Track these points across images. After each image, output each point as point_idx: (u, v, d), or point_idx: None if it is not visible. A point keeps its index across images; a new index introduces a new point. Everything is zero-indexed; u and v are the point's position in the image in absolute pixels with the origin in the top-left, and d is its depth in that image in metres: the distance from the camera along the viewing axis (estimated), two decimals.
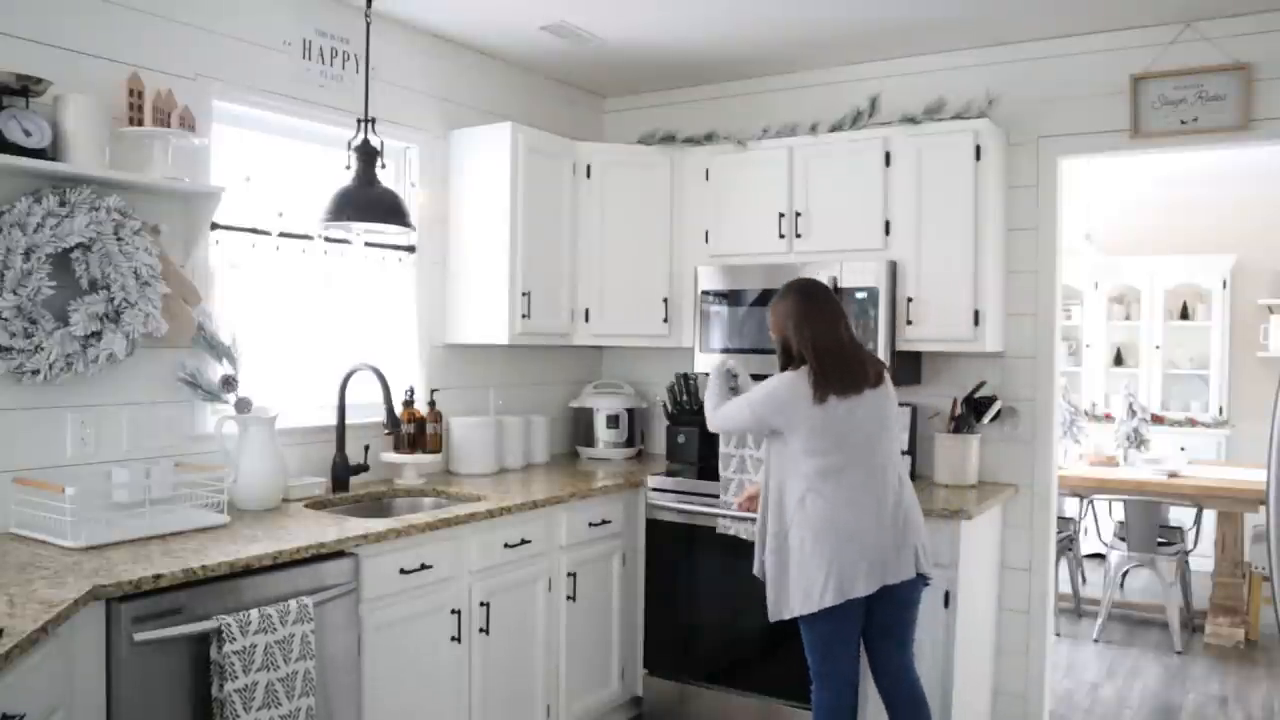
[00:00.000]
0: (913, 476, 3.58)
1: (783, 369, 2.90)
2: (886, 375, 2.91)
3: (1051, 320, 3.75)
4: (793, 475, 2.81)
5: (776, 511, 2.85)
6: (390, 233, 3.45)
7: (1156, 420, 6.64)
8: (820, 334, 2.81)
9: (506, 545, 3.19)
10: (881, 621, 2.88)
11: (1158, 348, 7.20)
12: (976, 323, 3.55)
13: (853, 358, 2.84)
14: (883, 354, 3.58)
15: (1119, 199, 7.03)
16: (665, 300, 4.17)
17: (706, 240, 4.08)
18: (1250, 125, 3.39)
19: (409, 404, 3.61)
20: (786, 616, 2.84)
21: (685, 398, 4.27)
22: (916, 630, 2.97)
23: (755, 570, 2.95)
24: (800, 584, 2.77)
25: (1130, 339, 7.40)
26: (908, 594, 2.86)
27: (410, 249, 3.79)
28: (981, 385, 3.74)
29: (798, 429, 2.78)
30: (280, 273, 3.35)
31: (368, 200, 3.22)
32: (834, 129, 3.97)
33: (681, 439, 4.23)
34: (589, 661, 3.63)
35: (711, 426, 3.11)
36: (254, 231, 3.25)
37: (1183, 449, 6.62)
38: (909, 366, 3.81)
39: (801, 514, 2.78)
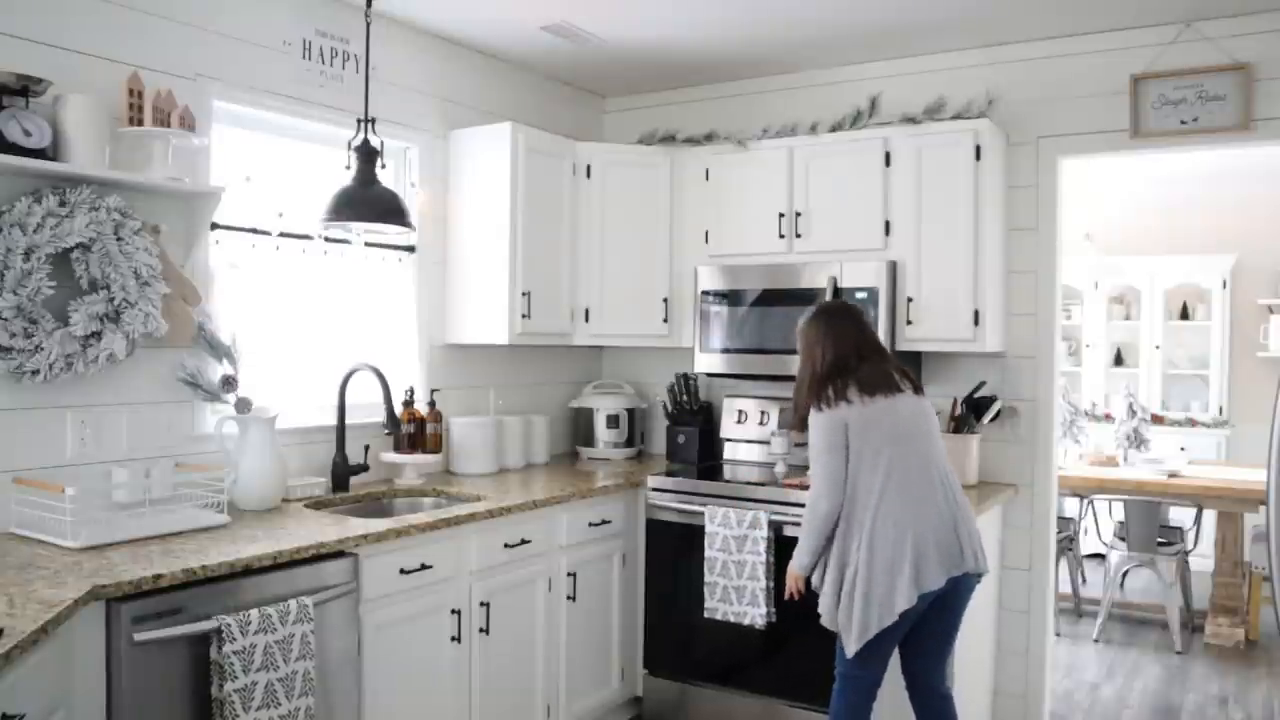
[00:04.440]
0: None
1: (794, 402, 2.94)
2: (923, 390, 2.95)
3: (1051, 320, 3.75)
4: (856, 503, 2.78)
5: (840, 553, 2.80)
6: (390, 233, 3.45)
7: (1156, 420, 6.64)
8: (841, 348, 2.87)
9: (506, 545, 3.19)
10: (932, 624, 2.85)
11: (1158, 348, 7.20)
12: (976, 323, 3.55)
13: (875, 363, 2.87)
14: None
15: (1119, 199, 7.03)
16: (665, 300, 4.17)
17: (706, 240, 4.08)
18: (1250, 125, 3.39)
19: (409, 404, 3.61)
20: (869, 635, 2.73)
21: (685, 398, 4.27)
22: None
23: (825, 621, 2.85)
24: (874, 602, 2.72)
25: (1130, 339, 7.40)
26: (963, 593, 2.85)
27: (410, 249, 3.80)
28: (981, 385, 3.74)
29: (853, 433, 2.78)
30: (280, 273, 3.35)
31: (367, 200, 3.22)
32: (834, 129, 3.97)
33: (681, 439, 4.23)
34: (589, 661, 3.63)
35: (819, 505, 2.84)
36: (254, 231, 3.25)
37: (1183, 449, 6.62)
38: (909, 366, 3.79)
39: (862, 538, 2.75)
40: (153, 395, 2.90)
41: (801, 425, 2.93)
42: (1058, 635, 5.15)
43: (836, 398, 2.80)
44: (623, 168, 4.14)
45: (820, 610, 2.86)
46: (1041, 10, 3.45)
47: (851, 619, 2.75)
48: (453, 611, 2.98)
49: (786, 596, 3.01)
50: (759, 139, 4.03)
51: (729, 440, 4.27)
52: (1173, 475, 5.32)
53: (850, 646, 2.76)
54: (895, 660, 2.96)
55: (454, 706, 3.01)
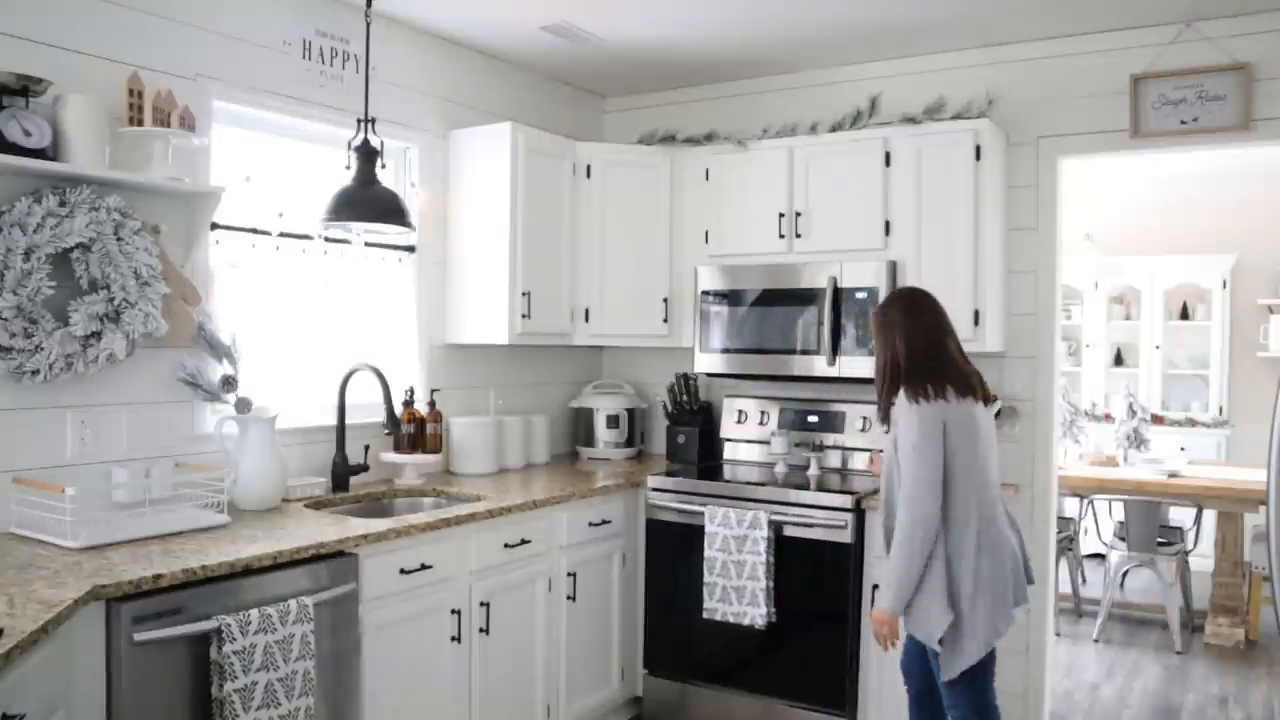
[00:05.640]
0: None
1: (878, 394, 2.80)
2: (990, 400, 2.84)
3: (1051, 320, 3.75)
4: (956, 507, 2.63)
5: (943, 561, 2.63)
6: (390, 233, 3.45)
7: (1156, 420, 6.64)
8: (931, 338, 2.74)
9: (506, 545, 3.19)
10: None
11: (1158, 348, 7.20)
12: (976, 323, 3.55)
13: (962, 363, 2.77)
14: None
15: (1119, 199, 7.03)
16: (665, 300, 4.17)
17: (706, 240, 4.08)
18: (1250, 125, 3.39)
19: (409, 404, 3.61)
20: (970, 664, 2.62)
21: (685, 398, 4.27)
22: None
23: (938, 640, 2.64)
24: (989, 628, 2.61)
25: (1130, 339, 7.40)
26: None
27: (410, 249, 3.79)
28: None
29: (951, 431, 2.63)
30: (280, 273, 3.35)
31: (367, 200, 3.22)
32: (834, 129, 3.97)
33: (681, 439, 4.23)
34: (589, 661, 3.63)
35: (921, 507, 2.60)
36: (254, 231, 3.25)
37: (1183, 449, 6.62)
38: None
39: (970, 542, 2.62)
40: (153, 395, 2.90)
41: (887, 418, 2.78)
42: (1058, 635, 5.14)
43: (936, 394, 2.64)
44: (623, 168, 4.14)
45: (922, 633, 2.67)
46: (1041, 10, 3.45)
47: (976, 631, 2.60)
48: (453, 611, 2.98)
49: (885, 648, 2.76)
50: (759, 139, 4.03)
51: (729, 440, 4.28)
52: (1173, 475, 5.32)
53: (963, 661, 2.61)
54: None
55: (454, 706, 3.01)
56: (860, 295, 3.64)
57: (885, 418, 2.80)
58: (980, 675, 2.70)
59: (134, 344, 2.71)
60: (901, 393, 2.70)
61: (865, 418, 3.93)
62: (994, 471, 2.75)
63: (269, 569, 2.40)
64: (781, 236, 3.89)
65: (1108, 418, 6.99)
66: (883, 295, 3.58)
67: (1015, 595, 2.71)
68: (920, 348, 2.72)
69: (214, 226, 3.05)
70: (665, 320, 4.17)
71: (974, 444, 2.67)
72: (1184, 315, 7.19)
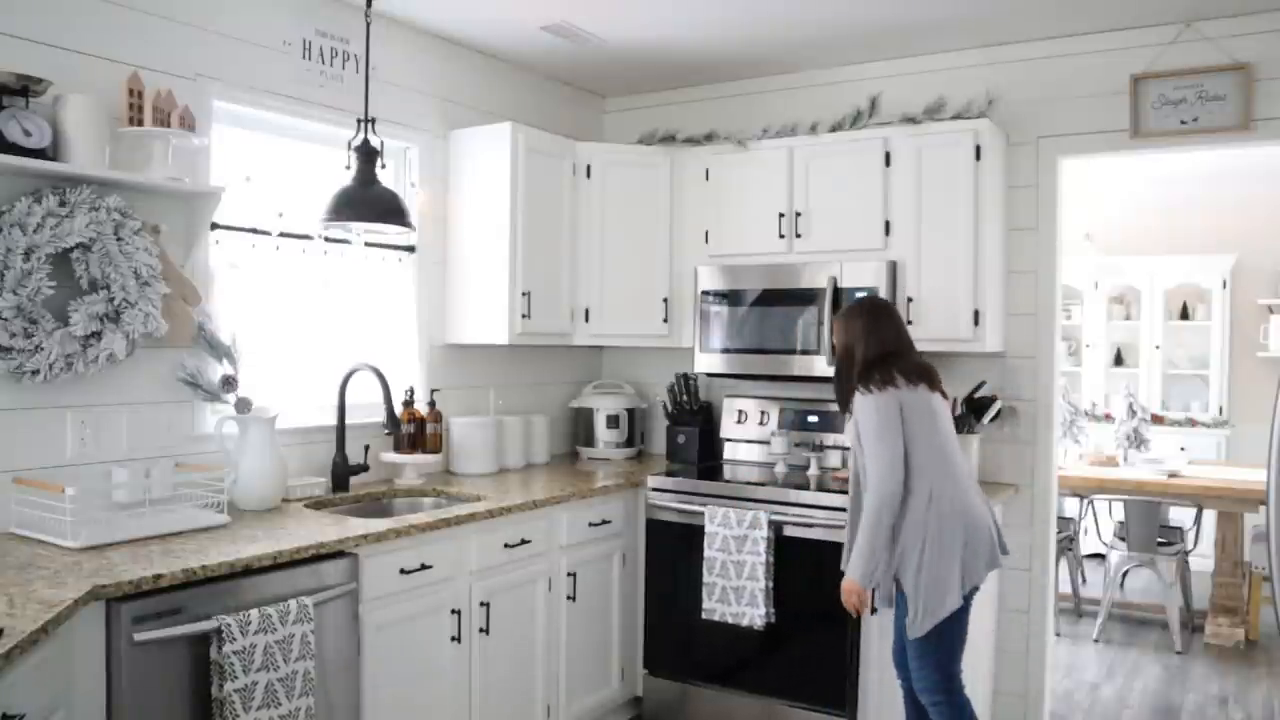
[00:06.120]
0: None
1: (838, 389, 3.03)
2: (947, 395, 3.01)
3: (1051, 320, 3.75)
4: (914, 479, 2.81)
5: (901, 532, 2.82)
6: (390, 233, 3.45)
7: (1156, 420, 6.64)
8: (885, 341, 2.94)
9: (506, 545, 3.19)
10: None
11: (1158, 348, 7.20)
12: (976, 323, 3.55)
13: (917, 360, 2.96)
14: None
15: (1119, 199, 7.04)
16: (665, 300, 4.17)
17: (706, 240, 4.08)
18: (1250, 125, 3.39)
19: (409, 404, 3.61)
20: (937, 620, 2.77)
21: (685, 398, 4.27)
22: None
23: (881, 603, 2.93)
24: (945, 583, 2.77)
25: (1130, 339, 7.40)
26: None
27: (410, 249, 3.80)
28: (981, 385, 3.74)
29: (906, 414, 2.83)
30: (280, 273, 3.35)
31: (367, 200, 3.22)
32: (834, 129, 3.97)
33: (681, 439, 4.23)
34: (589, 661, 3.63)
35: (884, 486, 2.79)
36: (254, 231, 3.25)
37: (1183, 449, 6.62)
38: None
39: (925, 515, 2.79)
40: (153, 395, 2.90)
41: (844, 409, 3.01)
42: (1058, 635, 5.14)
43: (885, 382, 2.84)
44: (623, 168, 4.14)
45: (880, 590, 2.88)
46: (1041, 10, 3.45)
47: (947, 587, 2.75)
48: (453, 611, 2.98)
49: (856, 615, 2.97)
50: (759, 139, 4.03)
51: (729, 440, 4.27)
52: (1173, 475, 5.32)
53: (930, 607, 2.76)
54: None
55: (454, 707, 3.01)
56: (860, 295, 3.63)
57: (845, 407, 3.00)
58: (947, 645, 2.82)
59: (134, 344, 2.71)
60: (858, 389, 2.90)
61: None
62: (959, 452, 2.90)
63: (269, 569, 2.40)
64: (781, 236, 3.89)
65: (1108, 418, 6.99)
66: (883, 295, 3.59)
67: (988, 561, 2.85)
68: (875, 349, 2.92)
69: (214, 226, 3.05)
70: (665, 320, 4.18)
71: (934, 426, 2.85)
72: (1184, 315, 7.19)
